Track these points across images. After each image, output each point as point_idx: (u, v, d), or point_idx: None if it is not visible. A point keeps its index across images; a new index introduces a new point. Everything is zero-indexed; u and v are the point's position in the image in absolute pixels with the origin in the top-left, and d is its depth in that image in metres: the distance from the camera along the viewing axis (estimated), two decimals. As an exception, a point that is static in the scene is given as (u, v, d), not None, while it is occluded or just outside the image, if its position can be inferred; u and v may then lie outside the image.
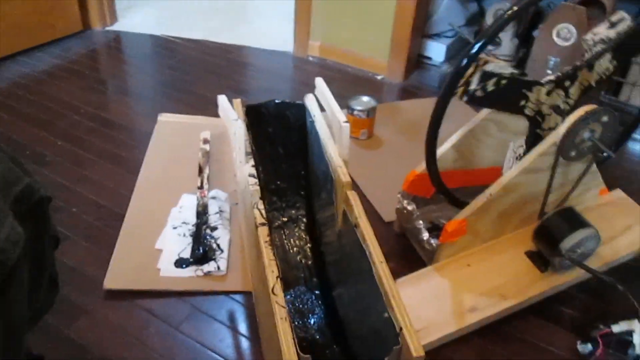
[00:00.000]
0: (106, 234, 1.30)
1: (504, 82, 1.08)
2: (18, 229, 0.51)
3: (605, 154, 1.16)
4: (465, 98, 1.09)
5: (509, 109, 1.15)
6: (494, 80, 1.07)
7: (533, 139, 1.17)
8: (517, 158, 1.23)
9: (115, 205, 1.39)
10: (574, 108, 1.13)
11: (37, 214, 0.59)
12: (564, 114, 1.14)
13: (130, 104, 1.88)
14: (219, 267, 1.21)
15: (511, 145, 1.22)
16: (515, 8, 0.97)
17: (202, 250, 1.25)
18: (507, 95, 1.11)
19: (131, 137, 1.67)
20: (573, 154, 1.13)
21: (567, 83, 1.13)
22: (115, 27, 2.42)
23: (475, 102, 1.11)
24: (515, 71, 1.12)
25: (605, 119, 1.10)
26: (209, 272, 1.21)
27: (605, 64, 1.13)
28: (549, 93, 1.13)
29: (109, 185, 1.46)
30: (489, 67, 1.07)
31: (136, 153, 1.58)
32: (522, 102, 1.13)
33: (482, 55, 1.05)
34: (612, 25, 1.14)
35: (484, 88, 1.07)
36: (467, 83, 1.08)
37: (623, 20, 1.16)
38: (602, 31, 1.13)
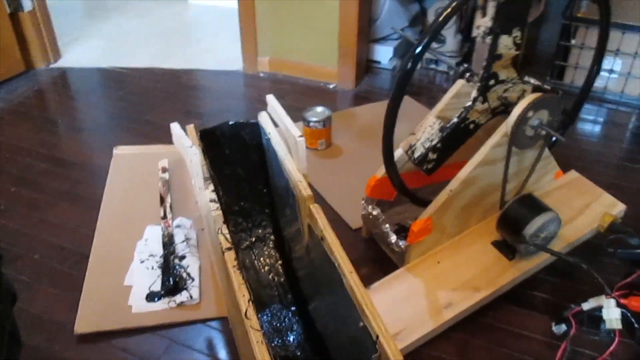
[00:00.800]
0: (72, 276, 1.27)
1: (439, 145, 1.16)
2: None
3: (555, 139, 1.20)
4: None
5: (467, 139, 1.20)
6: (430, 153, 1.17)
7: (462, 117, 1.18)
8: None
9: (78, 245, 1.36)
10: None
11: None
12: (513, 94, 1.18)
13: (84, 140, 1.85)
14: (191, 296, 1.20)
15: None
16: (452, 6, 0.99)
17: (172, 281, 1.23)
18: (454, 142, 1.18)
19: (88, 174, 1.64)
20: (524, 142, 1.16)
21: (492, 82, 1.16)
22: (60, 63, 2.37)
23: (435, 169, 1.20)
24: (440, 124, 1.18)
25: (550, 105, 1.13)
26: (182, 302, 1.19)
27: (506, 41, 1.14)
28: (484, 101, 1.16)
29: (70, 226, 1.43)
30: (418, 152, 1.19)
31: (95, 190, 1.54)
32: (472, 126, 1.18)
33: (407, 142, 1.18)
34: (484, 13, 1.14)
35: (430, 161, 1.18)
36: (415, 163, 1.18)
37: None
38: (481, 21, 1.14)
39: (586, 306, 1.10)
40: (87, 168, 1.67)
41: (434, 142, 1.17)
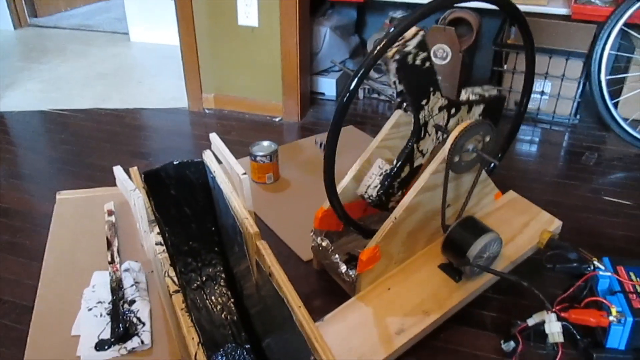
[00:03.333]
0: (15, 330, 1.22)
1: (427, 64, 1.15)
2: None
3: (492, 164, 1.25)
4: (397, 57, 1.11)
5: (414, 97, 1.19)
6: (423, 56, 1.13)
7: (407, 154, 1.23)
8: (381, 175, 1.26)
9: (20, 298, 1.31)
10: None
11: None
12: (443, 134, 1.23)
13: (25, 187, 1.80)
14: (142, 342, 1.17)
15: (378, 161, 1.27)
16: (384, 41, 1.04)
17: (122, 327, 1.20)
18: (422, 81, 1.17)
19: (30, 223, 1.59)
20: (461, 167, 1.21)
21: (452, 110, 1.22)
22: (-3, 108, 2.32)
23: (402, 66, 1.13)
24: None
25: (483, 130, 1.19)
26: (133, 348, 1.16)
27: (476, 114, 1.28)
28: (440, 109, 1.21)
29: (11, 278, 1.38)
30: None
31: (37, 238, 1.50)
32: (424, 101, 1.19)
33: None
34: (484, 90, 1.29)
35: (415, 57, 1.12)
36: (405, 45, 1.11)
37: (491, 89, 1.32)
38: (478, 90, 1.29)
39: (531, 322, 1.14)
40: (29, 216, 1.62)
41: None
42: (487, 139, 1.22)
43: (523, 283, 1.12)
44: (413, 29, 1.11)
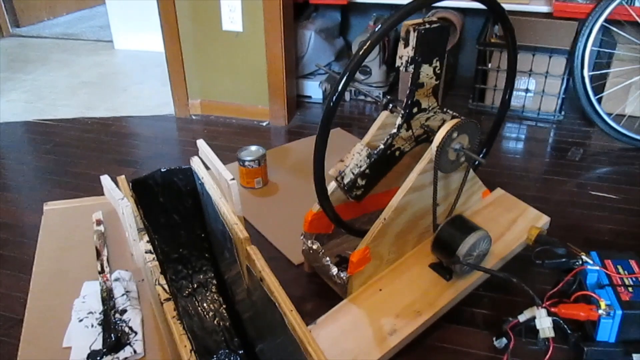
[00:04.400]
0: (5, 344, 1.21)
1: (368, 171, 1.20)
2: None
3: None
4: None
5: (393, 165, 1.25)
6: (359, 179, 1.20)
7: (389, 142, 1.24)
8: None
9: (10, 310, 1.30)
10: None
11: None
12: (435, 122, 1.24)
13: (11, 198, 1.78)
14: (135, 351, 1.16)
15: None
16: (368, 43, 1.04)
17: (114, 337, 1.19)
18: (380, 168, 1.23)
19: (17, 234, 1.58)
20: (449, 166, 1.22)
21: (415, 109, 1.22)
22: (-19, 120, 2.30)
23: (364, 196, 1.25)
24: (368, 151, 1.22)
25: (469, 129, 1.20)
26: (126, 358, 1.15)
27: (427, 71, 1.20)
28: (408, 128, 1.22)
29: (0, 291, 1.36)
30: (347, 178, 1.21)
31: (25, 250, 1.49)
32: (397, 153, 1.23)
33: (337, 166, 1.21)
34: (406, 43, 1.21)
35: (359, 187, 1.21)
36: (345, 190, 1.21)
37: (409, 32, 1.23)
38: (404, 51, 1.20)
39: (522, 318, 1.15)
40: (16, 228, 1.61)
41: (362, 168, 1.20)
42: (473, 137, 1.22)
43: (513, 280, 1.13)
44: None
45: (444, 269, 1.24)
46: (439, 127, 1.20)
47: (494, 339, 1.19)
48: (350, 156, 1.24)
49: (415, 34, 1.13)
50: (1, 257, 1.48)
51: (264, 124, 2.20)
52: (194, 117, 2.27)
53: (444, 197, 1.28)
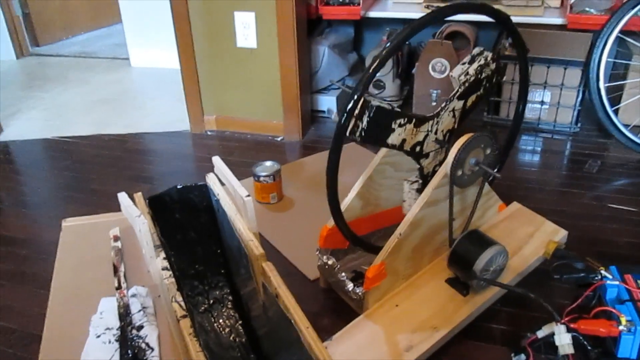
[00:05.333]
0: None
1: (372, 113, 1.10)
2: None
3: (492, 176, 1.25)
4: (357, 137, 1.09)
5: (381, 143, 1.15)
6: (366, 112, 1.08)
7: (425, 174, 1.24)
8: (417, 190, 1.29)
9: (28, 327, 1.31)
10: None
11: None
12: (442, 145, 1.23)
13: (30, 215, 1.80)
14: (151, 367, 1.17)
15: (406, 185, 1.29)
16: (381, 57, 1.04)
17: (131, 353, 1.19)
18: (378, 128, 1.12)
19: (36, 251, 1.60)
20: (464, 181, 1.21)
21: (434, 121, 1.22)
22: (1, 137, 2.34)
23: (363, 140, 1.10)
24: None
25: (484, 142, 1.19)
26: (142, 374, 1.16)
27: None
28: (417, 132, 1.22)
29: (18, 307, 1.38)
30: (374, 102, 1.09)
31: (43, 266, 1.51)
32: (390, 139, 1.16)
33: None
34: (472, 60, 1.26)
35: (364, 123, 1.09)
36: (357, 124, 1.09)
37: (481, 54, 1.28)
38: (463, 68, 1.23)
39: (541, 334, 1.13)
40: (34, 244, 1.63)
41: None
42: (488, 150, 1.22)
43: (530, 295, 1.11)
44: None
45: (461, 284, 1.23)
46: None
47: (512, 355, 1.17)
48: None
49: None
50: (20, 274, 1.50)
51: (279, 139, 2.21)
52: (209, 133, 2.29)
53: (459, 211, 1.27)
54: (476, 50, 1.31)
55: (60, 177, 2.02)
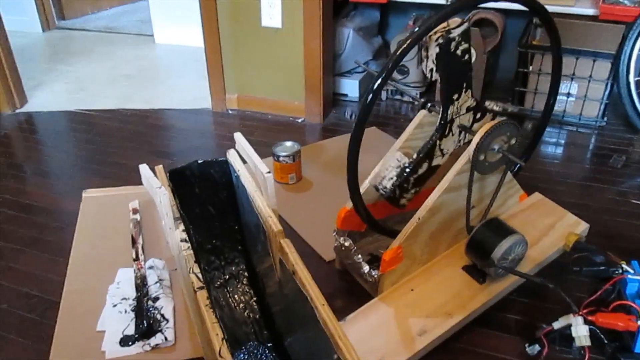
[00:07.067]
0: (42, 325, 1.24)
1: (467, 56, 1.13)
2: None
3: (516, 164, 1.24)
4: (440, 41, 1.10)
5: (448, 88, 1.16)
6: (465, 47, 1.11)
7: (428, 150, 1.22)
8: (398, 167, 1.25)
9: (47, 293, 1.33)
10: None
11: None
12: (467, 134, 1.22)
13: (51, 185, 1.83)
14: (166, 338, 1.18)
15: (396, 154, 1.25)
16: (408, 42, 1.03)
17: (146, 323, 1.21)
18: (459, 72, 1.15)
19: (56, 219, 1.62)
20: (486, 168, 1.20)
21: (478, 115, 1.21)
22: (26, 108, 2.36)
23: (443, 53, 1.11)
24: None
25: (509, 131, 1.18)
26: (157, 345, 1.18)
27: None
28: (467, 109, 1.20)
29: (39, 274, 1.40)
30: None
31: (63, 235, 1.53)
32: (456, 96, 1.18)
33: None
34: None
35: (457, 46, 1.11)
36: (449, 32, 1.10)
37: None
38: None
39: (557, 325, 1.12)
40: (55, 213, 1.65)
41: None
42: (513, 140, 1.20)
43: (549, 285, 1.10)
44: (457, 19, 1.10)
45: (478, 271, 1.22)
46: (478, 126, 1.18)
47: (526, 345, 1.16)
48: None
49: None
50: (40, 241, 1.52)
51: (299, 120, 2.20)
52: (230, 112, 2.29)
53: (480, 198, 1.26)
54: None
55: (82, 149, 2.03)
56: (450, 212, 1.23)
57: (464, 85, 1.17)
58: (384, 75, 1.02)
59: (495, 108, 1.27)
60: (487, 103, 1.27)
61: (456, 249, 1.30)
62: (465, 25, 1.10)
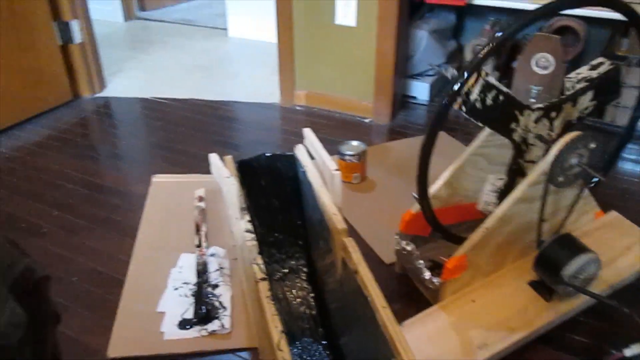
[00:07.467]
0: (107, 301, 1.29)
1: (501, 97, 1.09)
2: (19, 311, 0.51)
3: (595, 179, 1.17)
4: (464, 109, 1.09)
5: (501, 129, 1.15)
6: (493, 93, 1.07)
7: (515, 169, 1.18)
8: (496, 191, 1.24)
9: (114, 271, 1.38)
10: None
11: (37, 294, 0.59)
12: (547, 144, 1.16)
13: (123, 168, 1.90)
14: (223, 325, 1.20)
15: (490, 179, 1.23)
16: (492, 45, 1.00)
17: (204, 309, 1.24)
18: (501, 113, 1.12)
19: (126, 201, 1.68)
20: (563, 180, 1.14)
21: (552, 114, 1.16)
22: (104, 93, 2.46)
23: (473, 114, 1.10)
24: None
25: (591, 144, 1.12)
26: (214, 331, 1.19)
27: (585, 102, 1.16)
28: (537, 120, 1.15)
29: (107, 252, 1.46)
30: (490, 79, 1.08)
31: (132, 217, 1.58)
32: (513, 125, 1.14)
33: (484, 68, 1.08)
34: (593, 67, 1.18)
35: (483, 100, 1.08)
36: (468, 93, 1.08)
37: (602, 64, 1.20)
38: (585, 72, 1.17)
39: (628, 352, 1.05)
40: (125, 195, 1.71)
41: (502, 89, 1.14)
42: (592, 152, 1.14)
43: (624, 309, 1.04)
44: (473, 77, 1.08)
45: (545, 288, 1.17)
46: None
47: (595, 368, 1.11)
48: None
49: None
50: (110, 221, 1.58)
51: (367, 120, 2.19)
52: (298, 108, 2.31)
53: (553, 212, 1.20)
54: (598, 60, 1.23)
55: (153, 135, 2.10)
56: (520, 223, 1.18)
57: (516, 112, 1.13)
58: (465, 77, 0.99)
59: (576, 86, 1.19)
60: (567, 80, 1.20)
61: (523, 263, 1.24)
62: (482, 80, 1.07)
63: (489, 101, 1.08)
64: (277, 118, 2.26)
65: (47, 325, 0.63)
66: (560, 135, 1.16)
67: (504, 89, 1.10)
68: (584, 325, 1.22)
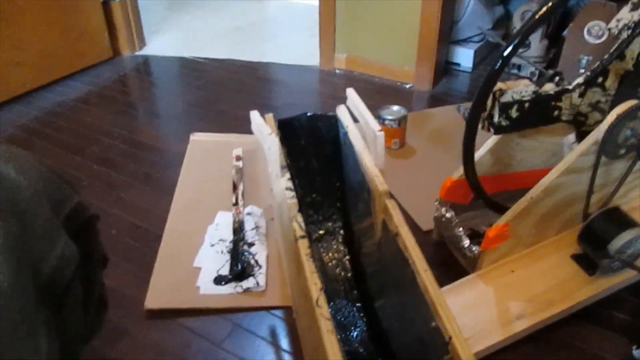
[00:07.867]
0: (145, 254, 1.31)
1: (527, 105, 1.08)
2: (72, 247, 0.51)
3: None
4: (491, 130, 1.11)
5: (542, 124, 1.14)
6: (515, 107, 1.07)
7: (581, 137, 1.14)
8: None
9: (152, 225, 1.40)
10: (617, 97, 1.10)
11: (88, 232, 0.59)
12: (605, 108, 1.12)
13: (161, 125, 1.91)
14: (258, 283, 1.21)
15: (565, 141, 1.19)
16: (545, 9, 0.95)
17: (240, 266, 1.24)
18: (536, 114, 1.11)
19: (164, 158, 1.69)
20: (615, 152, 1.09)
21: (599, 79, 1.10)
22: (144, 51, 2.47)
23: (503, 131, 1.12)
24: (536, 88, 1.11)
25: (648, 114, 1.07)
26: (248, 288, 1.20)
27: (637, 48, 1.09)
28: (581, 95, 1.11)
29: (145, 207, 1.47)
30: (505, 97, 1.08)
31: (170, 173, 1.59)
32: (556, 113, 1.11)
33: (498, 85, 1.07)
34: (635, 7, 1.10)
35: (508, 117, 1.08)
36: (490, 116, 1.09)
37: None
38: (625, 15, 1.09)
39: (637, 354, 1.02)
40: (163, 152, 1.72)
41: (523, 97, 1.11)
42: (649, 124, 1.09)
43: (673, 287, 1.00)
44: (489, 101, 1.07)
45: (589, 262, 1.14)
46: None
47: (634, 347, 1.07)
48: (516, 85, 1.16)
49: None
50: (149, 177, 1.60)
51: (407, 86, 2.14)
52: (337, 72, 2.27)
53: (601, 185, 1.16)
54: None
55: (192, 95, 2.10)
56: (566, 195, 1.14)
57: (552, 104, 1.10)
58: (516, 41, 0.94)
59: (624, 33, 1.12)
60: (613, 25, 1.13)
61: (566, 235, 1.21)
62: (498, 103, 1.07)
63: (514, 114, 1.07)
64: (316, 81, 2.23)
65: (96, 264, 0.63)
66: (620, 87, 1.11)
67: (527, 97, 1.08)
68: (626, 302, 1.19)
